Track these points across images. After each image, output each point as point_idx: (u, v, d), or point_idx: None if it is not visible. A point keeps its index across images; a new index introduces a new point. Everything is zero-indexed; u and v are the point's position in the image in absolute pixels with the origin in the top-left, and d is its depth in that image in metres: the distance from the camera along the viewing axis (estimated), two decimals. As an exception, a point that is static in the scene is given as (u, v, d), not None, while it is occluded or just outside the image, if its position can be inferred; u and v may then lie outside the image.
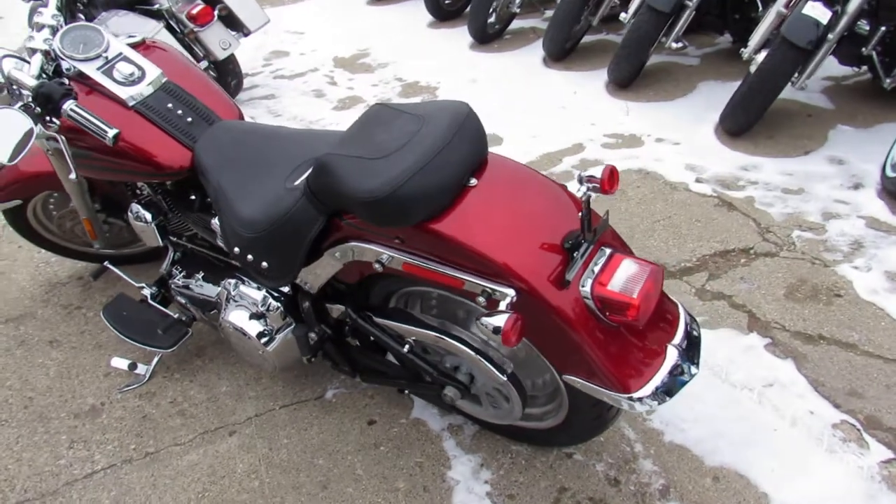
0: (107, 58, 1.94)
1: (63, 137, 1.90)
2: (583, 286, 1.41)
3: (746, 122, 3.35)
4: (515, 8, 5.05)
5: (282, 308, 1.93)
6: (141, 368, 2.32)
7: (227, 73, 4.39)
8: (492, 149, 3.57)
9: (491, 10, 4.98)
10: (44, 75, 1.92)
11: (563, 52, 4.55)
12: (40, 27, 2.00)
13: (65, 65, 1.93)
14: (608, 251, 1.47)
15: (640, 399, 1.44)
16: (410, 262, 1.53)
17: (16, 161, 1.69)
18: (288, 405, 2.20)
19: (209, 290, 2.15)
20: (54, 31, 1.96)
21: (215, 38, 4.15)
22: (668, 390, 1.46)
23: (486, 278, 1.43)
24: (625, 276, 1.40)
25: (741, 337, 2.25)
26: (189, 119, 1.94)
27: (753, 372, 2.12)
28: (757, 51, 3.33)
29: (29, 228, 2.67)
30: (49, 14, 2.01)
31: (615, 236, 1.56)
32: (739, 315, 2.34)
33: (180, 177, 1.93)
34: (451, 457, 1.97)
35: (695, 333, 1.56)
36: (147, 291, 2.31)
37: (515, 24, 5.35)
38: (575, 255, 1.42)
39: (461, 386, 1.76)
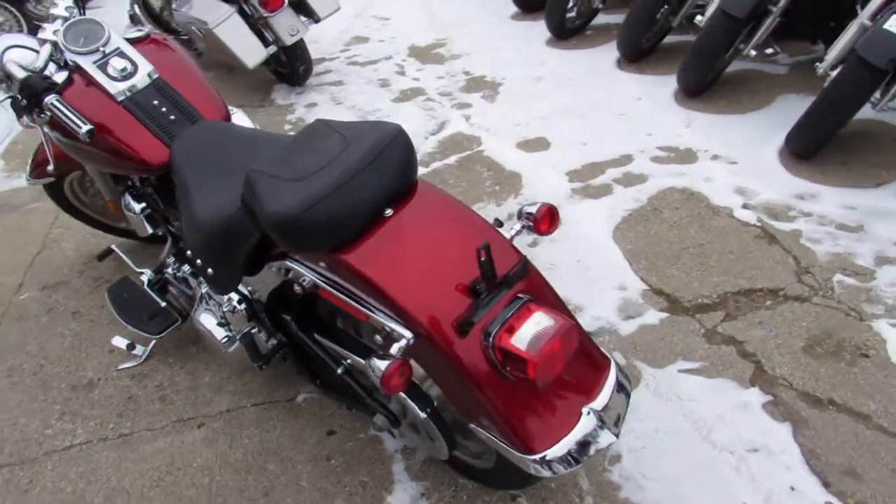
0: (104, 52, 1.99)
1: (46, 129, 1.98)
2: (486, 336, 1.31)
3: (813, 145, 3.04)
4: (598, 3, 4.82)
5: (245, 311, 1.93)
6: (139, 349, 2.41)
7: (296, 59, 4.47)
8: (536, 154, 3.48)
9: (571, 4, 4.78)
10: (52, 65, 2.01)
11: (637, 52, 4.30)
12: (54, 18, 2.09)
13: (68, 56, 2.00)
14: (525, 299, 1.36)
15: (544, 462, 1.33)
16: (326, 289, 1.48)
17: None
18: (259, 404, 2.22)
19: (191, 284, 2.19)
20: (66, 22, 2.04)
21: (284, 23, 4.21)
22: (576, 456, 1.34)
23: (388, 316, 1.36)
24: (533, 331, 1.28)
25: (739, 391, 2.05)
26: (172, 117, 1.97)
27: (741, 433, 1.93)
28: (834, 66, 3.00)
29: (66, 202, 2.84)
30: (63, 6, 2.10)
31: (540, 282, 1.44)
32: (745, 365, 2.13)
33: (159, 173, 1.97)
34: (396, 481, 1.92)
35: (623, 396, 1.43)
36: (145, 277, 2.39)
37: (601, 19, 5.11)
38: (479, 301, 1.32)
39: (391, 416, 1.70)
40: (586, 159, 3.37)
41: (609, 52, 4.57)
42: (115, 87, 1.95)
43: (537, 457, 1.33)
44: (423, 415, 1.55)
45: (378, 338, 1.39)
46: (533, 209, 1.48)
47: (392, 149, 1.43)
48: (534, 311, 1.32)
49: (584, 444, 1.35)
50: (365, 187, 1.38)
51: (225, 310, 1.94)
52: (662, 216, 2.87)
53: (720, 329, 2.27)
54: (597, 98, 3.99)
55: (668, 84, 3.99)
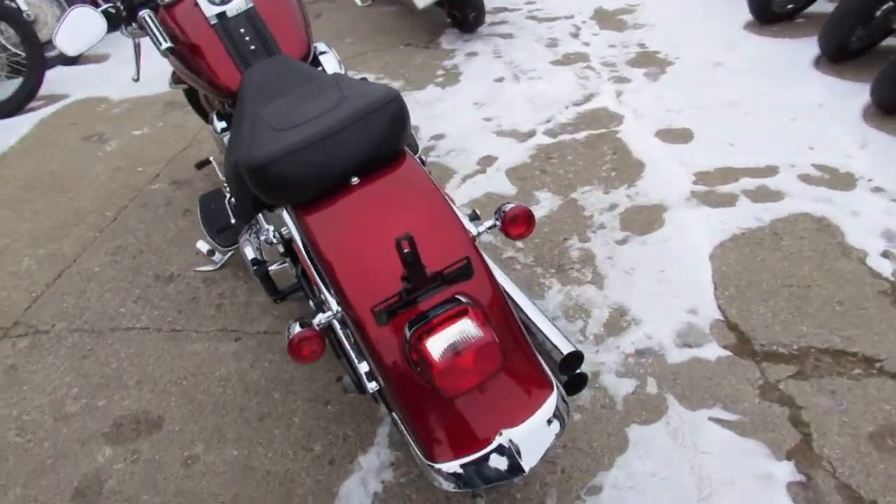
0: None
1: (137, 42, 2.14)
2: (408, 330, 1.25)
3: None
4: (815, -12, 4.21)
5: (281, 245, 2.00)
6: (217, 257, 2.60)
7: (467, 5, 4.41)
8: (672, 145, 3.19)
9: (780, -14, 4.23)
10: None
11: (841, 52, 3.71)
12: None
13: None
14: (462, 301, 1.26)
15: (441, 474, 1.26)
16: (295, 242, 1.48)
17: (76, 54, 1.95)
18: (293, 334, 2.31)
19: (255, 208, 2.30)
20: None
21: (460, -32, 4.17)
22: (476, 480, 1.25)
23: (325, 285, 1.34)
24: (451, 338, 1.19)
25: (768, 460, 1.78)
26: (252, 47, 2.05)
27: (747, 506, 1.69)
28: None
29: (200, 108, 3.08)
30: None
31: (487, 287, 1.32)
32: (790, 434, 1.84)
33: (231, 98, 2.07)
34: (375, 443, 1.93)
35: (555, 427, 1.30)
36: (227, 193, 2.54)
37: (820, 6, 4.46)
38: (403, 293, 1.25)
39: (357, 381, 1.69)
40: (724, 162, 3.02)
41: (811, 47, 3.99)
42: (210, 11, 2.05)
43: (436, 466, 1.26)
44: (370, 388, 1.52)
45: (312, 304, 1.38)
46: (507, 208, 1.36)
47: (377, 117, 1.38)
48: (464, 317, 1.23)
49: (486, 470, 1.25)
50: (335, 149, 1.35)
51: (262, 239, 2.02)
52: (780, 243, 2.52)
53: (782, 386, 1.97)
54: (772, 96, 3.53)
55: (863, 95, 3.42)
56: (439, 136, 3.44)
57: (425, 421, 1.27)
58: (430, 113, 3.69)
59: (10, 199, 3.21)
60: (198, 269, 2.64)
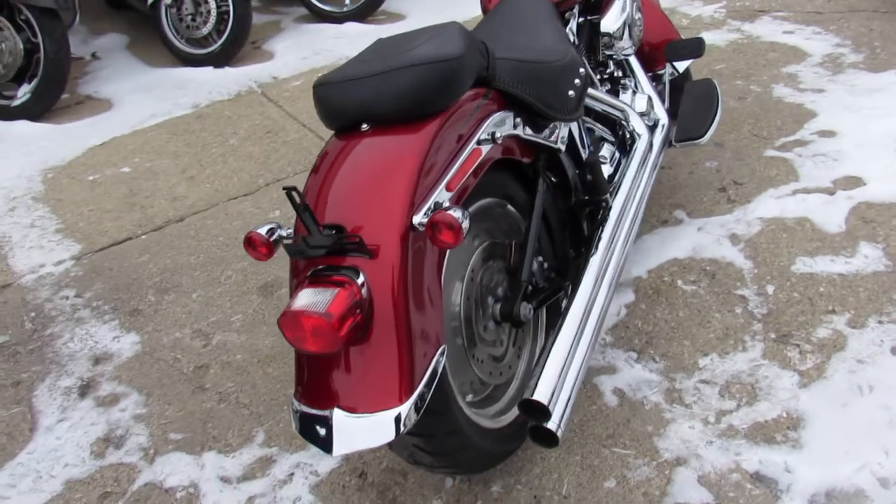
0: None
1: None
2: (310, 272, 1.30)
3: None
4: None
5: None
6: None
7: None
8: None
9: None
10: None
11: None
12: None
13: None
14: (358, 278, 1.24)
15: (290, 406, 1.36)
16: None
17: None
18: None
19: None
20: None
21: None
22: (301, 430, 1.31)
23: None
24: (312, 297, 1.22)
25: None
26: None
27: None
28: None
29: None
30: None
31: (390, 281, 1.25)
32: None
33: None
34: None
35: (374, 438, 1.23)
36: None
37: None
38: (306, 239, 1.28)
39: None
40: None
41: None
42: None
43: (292, 400, 1.35)
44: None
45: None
46: (439, 209, 1.22)
47: (413, 72, 1.35)
48: (335, 287, 1.23)
49: (311, 430, 1.29)
50: (358, 92, 1.39)
51: None
52: None
53: None
54: None
55: None
56: (827, 134, 2.76)
57: (300, 360, 1.35)
58: (856, 103, 2.93)
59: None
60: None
